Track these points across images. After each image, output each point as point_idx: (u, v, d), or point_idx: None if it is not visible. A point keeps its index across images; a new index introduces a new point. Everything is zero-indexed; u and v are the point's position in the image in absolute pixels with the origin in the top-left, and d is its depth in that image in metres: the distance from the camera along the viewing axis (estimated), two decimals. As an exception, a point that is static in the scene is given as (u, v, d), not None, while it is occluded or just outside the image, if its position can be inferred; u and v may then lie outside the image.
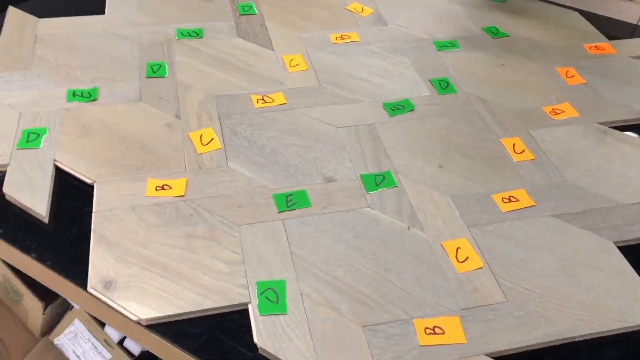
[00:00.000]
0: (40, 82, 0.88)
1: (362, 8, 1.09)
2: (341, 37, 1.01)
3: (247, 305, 0.61)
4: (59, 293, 0.68)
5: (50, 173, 0.74)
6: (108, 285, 0.62)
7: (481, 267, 0.65)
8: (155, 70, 0.91)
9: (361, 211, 0.71)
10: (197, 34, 1.00)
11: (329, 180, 0.75)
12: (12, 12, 1.02)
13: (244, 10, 1.07)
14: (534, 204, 0.73)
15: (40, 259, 0.66)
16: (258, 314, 0.60)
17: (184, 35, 0.99)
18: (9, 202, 0.71)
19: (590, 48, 1.01)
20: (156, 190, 0.72)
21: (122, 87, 0.88)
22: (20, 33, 0.97)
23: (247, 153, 0.78)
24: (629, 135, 0.84)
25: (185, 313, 0.60)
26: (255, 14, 1.06)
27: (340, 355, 0.57)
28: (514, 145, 0.81)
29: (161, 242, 0.66)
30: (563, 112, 0.87)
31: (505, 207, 0.72)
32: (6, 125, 0.80)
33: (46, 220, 0.69)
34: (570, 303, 0.62)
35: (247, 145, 0.79)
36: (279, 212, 0.70)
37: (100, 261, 0.64)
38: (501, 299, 0.62)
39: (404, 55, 0.98)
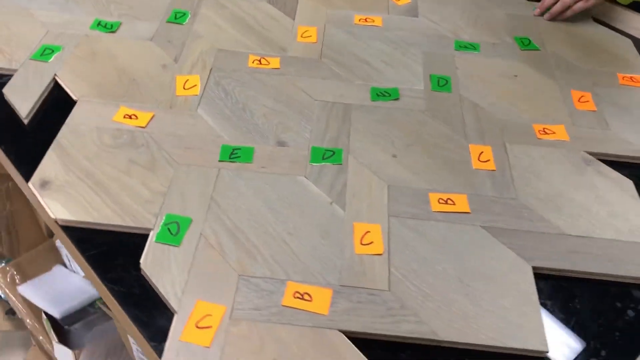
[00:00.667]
0: (75, 8, 0.98)
1: (407, -3, 1.08)
2: (365, 19, 1.02)
3: (149, 231, 0.66)
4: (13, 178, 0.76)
5: (46, 84, 0.83)
6: (44, 184, 0.70)
7: (380, 254, 0.65)
8: (178, 17, 0.98)
9: (295, 178, 0.73)
10: (233, -8, 1.05)
11: (281, 144, 0.78)
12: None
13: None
14: (469, 211, 0.71)
15: (7, 151, 0.75)
16: (154, 240, 0.65)
17: (220, -8, 1.05)
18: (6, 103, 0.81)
19: (623, 78, 0.94)
20: (124, 117, 0.79)
21: (142, 26, 0.96)
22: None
23: (219, 105, 0.83)
24: (612, 171, 0.78)
25: (95, 223, 0.66)
26: (295, -16, 1.10)
27: (205, 293, 0.60)
28: (480, 153, 0.79)
29: (105, 161, 0.73)
30: (553, 133, 0.83)
31: (436, 207, 0.71)
32: (32, 37, 0.91)
33: (25, 122, 0.79)
34: (450, 308, 0.60)
35: (222, 98, 0.84)
36: (220, 161, 0.74)
37: (48, 164, 0.72)
38: (383, 287, 0.62)
39: (419, 48, 0.97)
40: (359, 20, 1.02)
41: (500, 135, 0.82)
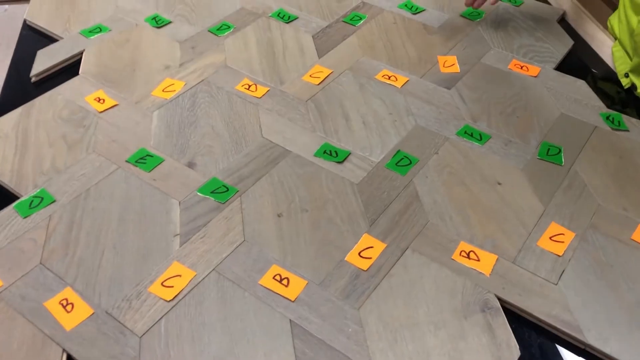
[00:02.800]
0: (152, 0, 1.10)
1: (457, 67, 0.97)
2: (389, 76, 0.94)
3: (19, 197, 0.73)
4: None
5: (70, 56, 0.97)
6: (-10, 131, 0.82)
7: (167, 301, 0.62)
8: (220, 29, 1.04)
9: (169, 199, 0.73)
10: (289, 17, 1.07)
11: (190, 166, 0.78)
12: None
13: (348, 19, 1.08)
14: (293, 299, 0.62)
15: None
16: (13, 205, 0.72)
17: (277, 16, 1.07)
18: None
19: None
20: (93, 99, 0.88)
21: (185, 29, 1.04)
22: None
23: (175, 114, 0.86)
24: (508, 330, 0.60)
25: (-7, 175, 0.76)
26: (355, 25, 1.07)
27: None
28: (369, 247, 0.68)
29: (46, 128, 0.83)
30: (477, 260, 0.67)
31: (266, 281, 0.64)
32: (98, 16, 1.06)
33: (32, 79, 0.93)
34: None
35: (185, 109, 0.87)
36: (126, 161, 0.78)
37: (11, 116, 0.84)
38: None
39: (417, 120, 0.86)
40: (382, 76, 0.94)
41: (406, 240, 0.69)
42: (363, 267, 0.66)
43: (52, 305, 0.62)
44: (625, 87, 0.95)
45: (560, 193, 0.76)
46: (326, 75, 0.94)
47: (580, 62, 1.02)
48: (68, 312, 0.61)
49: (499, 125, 0.86)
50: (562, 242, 0.70)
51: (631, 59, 0.94)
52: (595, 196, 0.76)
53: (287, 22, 1.06)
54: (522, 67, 0.97)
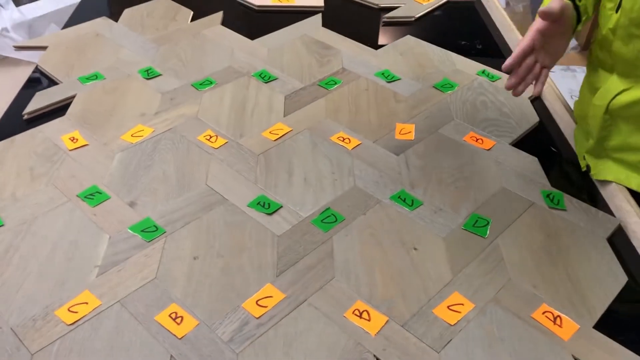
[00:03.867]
0: (149, 54, 1.21)
1: (412, 134, 1.01)
2: (343, 139, 0.99)
3: (-25, 218, 0.82)
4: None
5: (63, 98, 1.07)
6: None
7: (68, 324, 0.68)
8: (202, 84, 1.13)
9: (101, 234, 0.80)
10: (269, 78, 1.15)
11: (131, 205, 0.85)
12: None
13: (323, 83, 1.14)
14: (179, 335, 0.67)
15: (-8, 131, 1.01)
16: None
17: (258, 75, 1.16)
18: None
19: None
20: (68, 139, 0.97)
21: (170, 82, 1.13)
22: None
23: (134, 157, 0.94)
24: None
25: (-40, 197, 0.86)
26: (329, 89, 1.13)
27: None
28: (262, 296, 0.72)
29: (17, 158, 0.92)
30: (369, 321, 0.69)
31: (162, 318, 0.69)
32: (97, 66, 1.17)
33: (24, 117, 1.04)
34: None
35: (144, 153, 0.95)
36: (77, 195, 0.86)
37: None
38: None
39: (356, 181, 0.90)
40: (337, 138, 0.99)
41: (306, 293, 0.72)
42: (256, 314, 0.70)
43: None
44: (583, 170, 0.95)
45: (475, 264, 0.77)
46: (285, 132, 1.00)
47: (542, 141, 1.03)
48: None
49: (434, 193, 0.89)
50: (459, 312, 0.71)
51: (587, 141, 0.95)
52: (508, 270, 0.77)
53: (266, 82, 1.14)
54: (477, 140, 1.00)
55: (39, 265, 0.75)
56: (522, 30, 1.13)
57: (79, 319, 0.69)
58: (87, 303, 0.71)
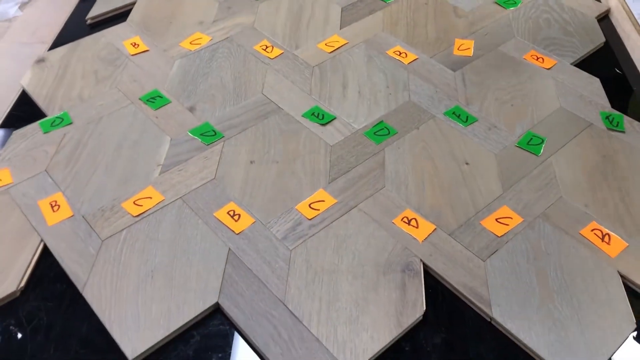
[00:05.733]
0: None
1: (471, 51, 0.99)
2: (399, 52, 0.98)
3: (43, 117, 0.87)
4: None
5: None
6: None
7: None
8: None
9: (163, 136, 0.83)
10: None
11: (191, 109, 0.88)
12: None
13: None
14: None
15: None
16: (38, 122, 0.85)
17: None
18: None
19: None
20: (129, 44, 1.00)
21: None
22: None
23: (193, 62, 0.96)
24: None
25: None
26: (387, 2, 1.10)
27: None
28: (314, 200, 0.75)
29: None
30: (417, 228, 0.71)
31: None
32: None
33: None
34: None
35: (200, 60, 0.97)
36: (139, 98, 0.89)
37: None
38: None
39: (410, 95, 0.90)
40: (393, 52, 0.99)
41: (356, 199, 0.75)
42: (308, 216, 0.73)
43: (44, 204, 0.74)
44: None
45: (526, 181, 0.78)
46: (341, 45, 1.00)
47: (607, 61, 0.99)
48: (54, 211, 0.73)
49: (489, 110, 0.88)
50: (507, 225, 0.72)
51: None
52: (560, 188, 0.77)
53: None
54: (537, 59, 0.97)
55: (106, 161, 0.80)
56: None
57: (143, 212, 0.73)
58: (151, 198, 0.75)
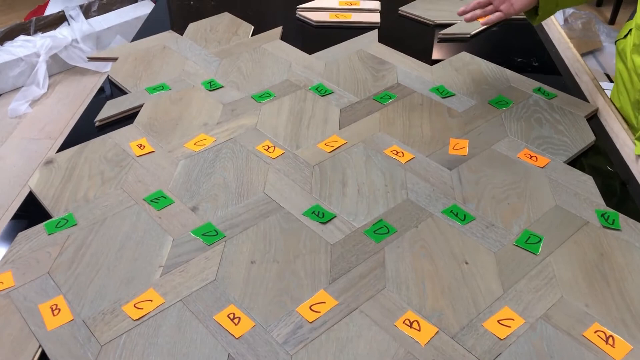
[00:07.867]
0: (211, 67, 1.27)
1: (466, 150, 1.02)
2: (397, 152, 1.01)
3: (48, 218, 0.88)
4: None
5: (130, 107, 1.14)
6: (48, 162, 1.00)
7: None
8: (261, 96, 1.17)
9: (165, 236, 0.85)
10: (325, 91, 1.19)
11: (193, 210, 0.90)
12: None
13: (378, 97, 1.17)
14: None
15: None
16: (44, 224, 0.87)
17: (315, 89, 1.19)
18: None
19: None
20: (137, 146, 1.03)
21: (231, 94, 1.19)
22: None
23: (197, 162, 0.99)
24: None
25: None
26: (383, 103, 1.15)
27: (17, 268, 0.79)
28: (315, 302, 0.74)
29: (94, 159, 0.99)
30: (419, 331, 0.71)
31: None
32: (166, 77, 1.24)
33: (96, 124, 1.11)
34: None
35: (204, 160, 1.00)
36: (143, 199, 0.91)
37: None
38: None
39: (408, 193, 0.92)
40: (391, 151, 1.02)
41: (358, 301, 0.75)
42: (309, 319, 0.73)
43: (44, 308, 0.74)
44: (636, 154, 0.97)
45: (525, 280, 0.78)
46: (340, 144, 1.04)
47: (598, 160, 1.03)
48: (54, 315, 0.73)
49: (486, 209, 0.90)
50: (509, 327, 0.72)
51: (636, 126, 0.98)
52: (560, 288, 0.77)
53: (323, 96, 1.18)
54: (531, 157, 1.00)
55: (108, 263, 0.81)
56: (580, 48, 1.12)
57: (144, 315, 0.73)
58: (151, 300, 0.75)
